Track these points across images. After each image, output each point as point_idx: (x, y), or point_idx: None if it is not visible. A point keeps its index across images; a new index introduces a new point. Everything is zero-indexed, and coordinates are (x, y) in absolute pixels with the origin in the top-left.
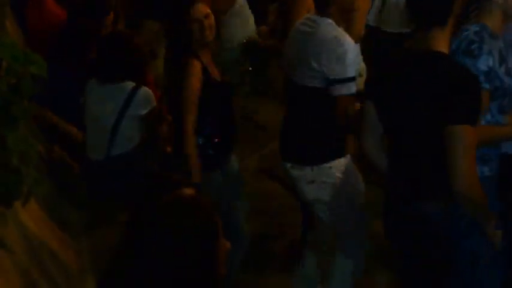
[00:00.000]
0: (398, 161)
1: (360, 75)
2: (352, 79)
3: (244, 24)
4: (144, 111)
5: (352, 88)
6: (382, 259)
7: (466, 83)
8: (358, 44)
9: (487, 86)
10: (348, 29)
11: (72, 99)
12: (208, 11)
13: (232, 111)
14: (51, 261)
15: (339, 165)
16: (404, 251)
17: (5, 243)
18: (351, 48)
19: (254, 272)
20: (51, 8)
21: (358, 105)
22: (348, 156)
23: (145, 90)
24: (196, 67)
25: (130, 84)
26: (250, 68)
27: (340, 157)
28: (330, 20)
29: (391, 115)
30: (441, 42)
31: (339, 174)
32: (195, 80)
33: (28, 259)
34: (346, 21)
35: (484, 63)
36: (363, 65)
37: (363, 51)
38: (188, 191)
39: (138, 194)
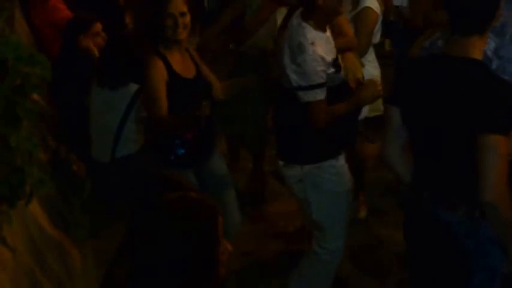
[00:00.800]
0: (425, 168)
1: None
2: (317, 86)
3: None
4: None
5: (319, 95)
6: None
7: (502, 93)
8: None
9: None
10: (336, 35)
11: None
12: (185, 9)
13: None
14: (55, 262)
15: (328, 166)
16: (423, 257)
17: (9, 243)
18: (315, 56)
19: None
20: (55, 4)
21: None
22: (341, 157)
23: None
24: (157, 65)
25: (133, 87)
26: None
27: (329, 158)
28: (304, 24)
29: (419, 122)
30: (477, 50)
31: (327, 175)
32: (156, 76)
33: (32, 259)
34: (331, 26)
35: None
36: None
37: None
38: (192, 193)
39: (143, 195)
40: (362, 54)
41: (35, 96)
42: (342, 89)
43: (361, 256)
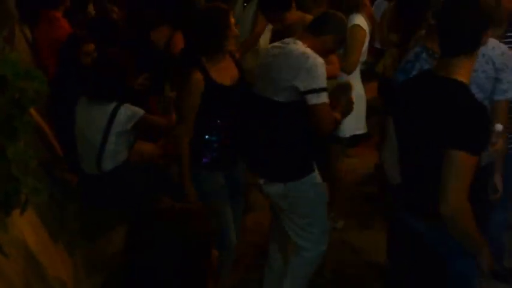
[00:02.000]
0: (404, 177)
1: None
2: (323, 89)
3: None
4: (129, 126)
5: (324, 97)
6: None
7: (475, 114)
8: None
9: None
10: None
11: None
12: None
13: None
14: (48, 268)
15: (310, 180)
16: (402, 266)
17: (4, 250)
18: (319, 62)
19: None
20: (62, 24)
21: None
22: (315, 169)
23: (126, 107)
24: (198, 78)
25: (112, 105)
26: None
27: (310, 173)
28: (298, 40)
29: (403, 132)
30: (462, 71)
31: (310, 188)
32: (194, 92)
33: (25, 264)
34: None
35: None
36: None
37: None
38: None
39: (136, 205)
40: (351, 71)
41: (32, 110)
42: None
43: (338, 265)
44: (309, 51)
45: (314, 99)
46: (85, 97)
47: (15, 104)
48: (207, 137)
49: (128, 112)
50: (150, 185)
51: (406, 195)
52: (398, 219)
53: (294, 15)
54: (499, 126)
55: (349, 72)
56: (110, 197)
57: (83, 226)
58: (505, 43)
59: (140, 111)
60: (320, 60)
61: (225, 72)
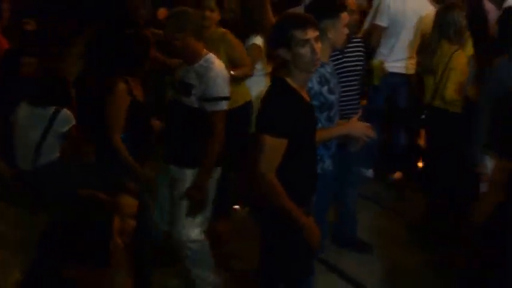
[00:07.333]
0: None
1: None
2: (223, 98)
3: None
4: (64, 129)
5: (223, 105)
6: None
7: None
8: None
9: (314, 102)
10: None
11: None
12: None
13: (150, 128)
14: None
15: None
16: None
17: None
18: (221, 74)
19: None
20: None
21: None
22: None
23: (65, 112)
24: (123, 89)
25: (52, 108)
26: None
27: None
28: (211, 54)
29: None
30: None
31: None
32: (122, 100)
33: None
34: None
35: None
36: None
37: None
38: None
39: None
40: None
41: None
42: None
43: None
44: (215, 65)
45: (213, 107)
46: (25, 101)
47: None
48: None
49: (66, 116)
50: (81, 180)
51: None
52: None
53: None
54: None
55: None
56: (41, 191)
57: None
58: None
59: (73, 120)
60: (224, 73)
61: (136, 89)
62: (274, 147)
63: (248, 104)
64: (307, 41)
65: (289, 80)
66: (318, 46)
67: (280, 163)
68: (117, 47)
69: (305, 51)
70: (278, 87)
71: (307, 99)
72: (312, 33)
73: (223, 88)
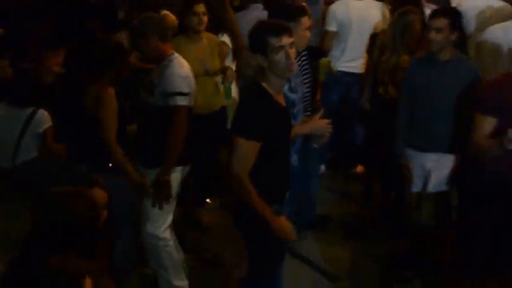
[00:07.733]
0: None
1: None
2: (181, 94)
3: None
4: (41, 129)
5: (181, 100)
6: None
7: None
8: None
9: None
10: None
11: None
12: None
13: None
14: None
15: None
16: None
17: None
18: (178, 71)
19: None
20: None
21: None
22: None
23: (41, 112)
24: (112, 93)
25: (30, 109)
26: None
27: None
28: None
29: None
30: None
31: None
32: (114, 103)
33: None
34: None
35: None
36: None
37: None
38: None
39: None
40: None
41: None
42: None
43: None
44: (175, 64)
45: (174, 101)
46: (2, 102)
47: None
48: None
49: (43, 117)
50: (58, 177)
51: None
52: None
53: None
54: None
55: None
56: (20, 188)
57: None
58: None
59: (50, 122)
60: (184, 70)
61: None
62: (247, 149)
63: (224, 108)
64: (281, 47)
65: (265, 84)
66: (292, 52)
67: (254, 165)
68: (88, 51)
69: (280, 57)
70: (254, 91)
71: (283, 104)
72: (286, 40)
73: (180, 84)
